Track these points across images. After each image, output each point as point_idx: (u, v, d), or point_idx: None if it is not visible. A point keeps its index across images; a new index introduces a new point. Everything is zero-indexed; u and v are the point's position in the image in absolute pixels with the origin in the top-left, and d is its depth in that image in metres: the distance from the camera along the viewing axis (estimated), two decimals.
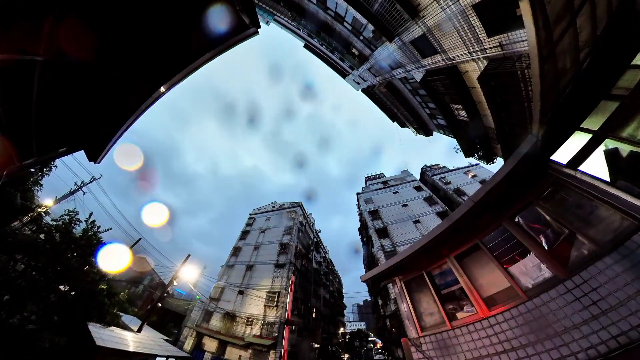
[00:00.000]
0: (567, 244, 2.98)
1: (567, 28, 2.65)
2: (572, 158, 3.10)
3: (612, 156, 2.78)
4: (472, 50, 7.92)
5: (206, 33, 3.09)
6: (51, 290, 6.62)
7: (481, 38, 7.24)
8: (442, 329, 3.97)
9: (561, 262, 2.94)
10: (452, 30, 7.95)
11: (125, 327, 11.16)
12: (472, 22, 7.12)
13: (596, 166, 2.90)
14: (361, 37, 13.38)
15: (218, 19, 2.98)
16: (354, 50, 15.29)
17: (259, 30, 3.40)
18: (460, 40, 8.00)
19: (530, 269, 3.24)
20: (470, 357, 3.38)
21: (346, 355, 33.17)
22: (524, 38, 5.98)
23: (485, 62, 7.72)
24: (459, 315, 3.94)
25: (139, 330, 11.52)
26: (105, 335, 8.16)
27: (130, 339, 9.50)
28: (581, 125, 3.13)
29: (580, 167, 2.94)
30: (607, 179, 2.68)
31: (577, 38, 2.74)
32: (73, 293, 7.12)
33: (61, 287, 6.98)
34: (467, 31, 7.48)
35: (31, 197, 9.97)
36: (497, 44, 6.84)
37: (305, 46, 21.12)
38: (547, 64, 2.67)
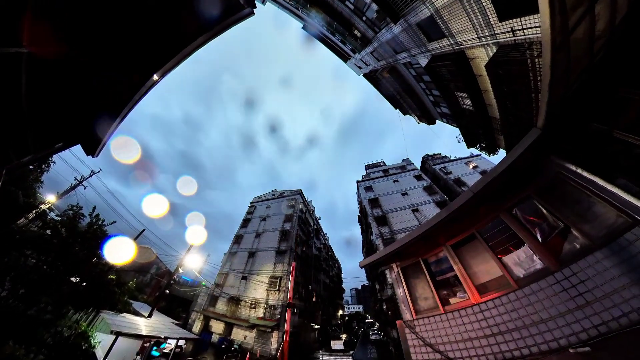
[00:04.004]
0: (561, 237, 3.07)
1: (584, 15, 2.51)
2: (575, 153, 3.09)
3: (615, 153, 2.77)
4: (481, 35, 7.53)
5: (198, 15, 2.94)
6: (63, 283, 6.90)
7: (492, 22, 6.85)
8: (435, 312, 4.20)
9: (554, 255, 3.05)
10: (462, 12, 7.50)
11: (137, 313, 11.84)
12: (484, 4, 6.70)
13: (598, 162, 2.90)
14: (364, 18, 12.67)
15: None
16: (356, 32, 14.52)
17: (254, 10, 3.23)
18: (469, 23, 7.58)
19: (523, 260, 3.37)
20: (460, 339, 3.62)
21: (344, 335, 35.35)
22: (537, 24, 5.67)
23: (495, 49, 7.37)
24: (452, 300, 4.15)
25: (150, 316, 12.21)
26: (119, 321, 8.71)
27: (142, 324, 10.12)
28: (587, 120, 3.08)
29: (582, 163, 2.94)
30: (608, 176, 2.69)
31: (594, 27, 2.61)
32: (84, 284, 7.43)
33: (72, 279, 7.27)
34: (478, 14, 7.07)
35: (33, 195, 10.07)
36: (509, 29, 6.49)
37: (304, 27, 20.01)
38: (560, 53, 2.56)
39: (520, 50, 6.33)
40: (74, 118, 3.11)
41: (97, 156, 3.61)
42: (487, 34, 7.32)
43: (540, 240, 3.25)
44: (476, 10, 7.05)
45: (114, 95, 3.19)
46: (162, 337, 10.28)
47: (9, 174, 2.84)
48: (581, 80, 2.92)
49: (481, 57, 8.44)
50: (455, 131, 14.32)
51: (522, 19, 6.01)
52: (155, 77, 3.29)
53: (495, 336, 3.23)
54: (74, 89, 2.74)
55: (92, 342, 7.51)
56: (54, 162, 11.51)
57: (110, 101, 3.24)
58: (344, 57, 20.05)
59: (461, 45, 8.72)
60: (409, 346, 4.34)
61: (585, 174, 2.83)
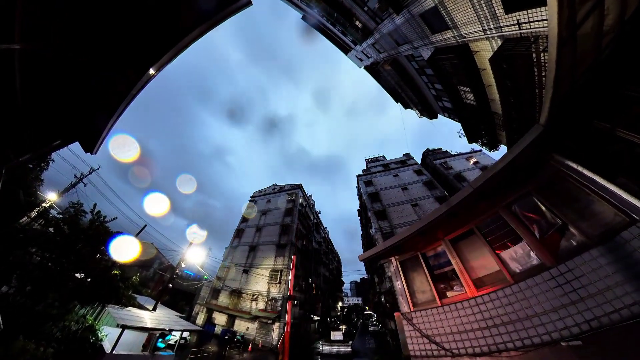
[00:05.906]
0: (558, 234, 3.10)
1: (593, 9, 2.44)
2: (576, 151, 3.08)
3: (617, 152, 2.76)
4: (486, 27, 7.34)
5: (194, 6, 2.86)
6: (68, 279, 7.01)
7: (498, 14, 6.67)
8: (433, 305, 4.31)
9: (550, 251, 3.10)
10: (467, 4, 7.29)
11: (141, 307, 12.13)
12: None
13: (599, 161, 2.90)
14: (365, 8, 12.32)
15: None
16: (357, 23, 14.16)
17: (252, 0, 3.15)
18: (474, 15, 7.38)
19: (520, 256, 3.43)
20: (456, 331, 3.73)
21: (344, 326, 36.31)
22: (544, 17, 5.51)
23: (500, 42, 7.21)
24: (449, 293, 4.25)
25: (154, 309, 12.54)
26: (124, 315, 8.94)
27: (147, 317, 10.39)
28: (591, 118, 3.05)
29: (584, 161, 2.94)
30: (609, 174, 2.70)
31: (602, 22, 2.54)
32: (89, 280, 7.55)
33: (77, 275, 7.38)
34: (484, 5, 6.87)
35: (34, 193, 10.10)
36: (515, 22, 6.32)
37: (304, 18, 19.47)
38: (566, 47, 2.51)
39: (525, 44, 6.19)
40: (71, 115, 3.09)
41: (95, 153, 3.60)
42: (492, 26, 7.13)
43: (537, 236, 3.29)
44: (482, 2, 6.85)
45: (110, 92, 3.15)
46: (167, 329, 10.56)
47: (8, 173, 2.84)
48: (587, 76, 2.87)
49: (485, 50, 8.26)
50: (457, 126, 14.22)
51: (529, 11, 5.85)
52: (151, 71, 3.23)
53: (490, 329, 3.33)
54: (70, 86, 2.71)
55: (99, 335, 7.74)
56: (53, 160, 11.53)
57: (107, 97, 3.20)
58: (345, 49, 19.62)
59: (465, 37, 8.52)
60: (406, 337, 4.47)
61: (586, 172, 2.84)
